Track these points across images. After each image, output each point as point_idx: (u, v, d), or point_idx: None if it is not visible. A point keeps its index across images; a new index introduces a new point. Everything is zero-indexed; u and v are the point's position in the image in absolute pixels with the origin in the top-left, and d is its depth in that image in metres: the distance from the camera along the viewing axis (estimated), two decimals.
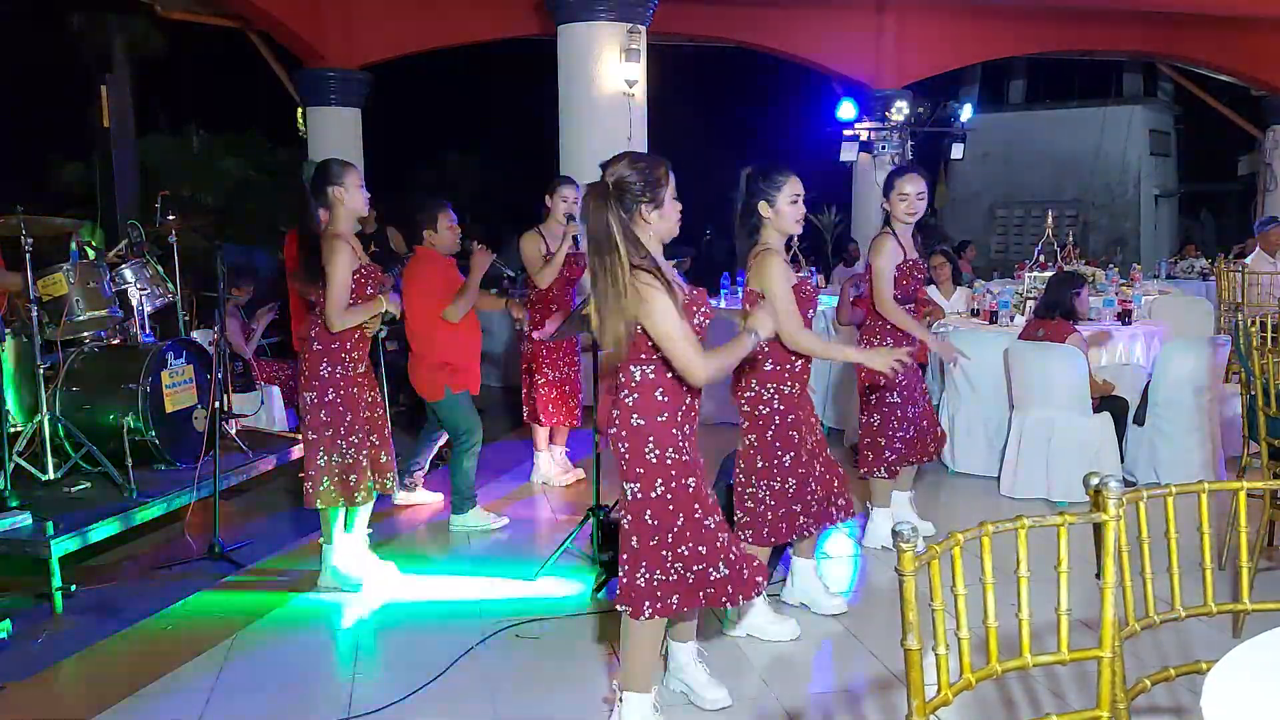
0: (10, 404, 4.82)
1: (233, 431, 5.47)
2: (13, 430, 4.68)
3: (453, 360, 4.93)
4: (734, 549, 2.90)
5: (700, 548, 2.82)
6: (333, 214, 4.01)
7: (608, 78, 8.31)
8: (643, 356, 2.78)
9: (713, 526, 2.84)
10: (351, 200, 4.01)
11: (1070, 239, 8.07)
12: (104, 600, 4.17)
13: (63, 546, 4.03)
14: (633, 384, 2.80)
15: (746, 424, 3.66)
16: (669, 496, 2.80)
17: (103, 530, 4.27)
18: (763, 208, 3.52)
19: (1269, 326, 4.96)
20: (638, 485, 2.81)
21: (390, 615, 4.05)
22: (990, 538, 1.87)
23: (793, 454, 3.63)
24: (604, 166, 2.84)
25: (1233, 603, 2.22)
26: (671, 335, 2.68)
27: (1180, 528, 2.12)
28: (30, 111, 13.20)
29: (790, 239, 3.70)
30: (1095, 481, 1.98)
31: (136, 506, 4.48)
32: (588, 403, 5.69)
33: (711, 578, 2.84)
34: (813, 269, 9.18)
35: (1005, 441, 5.60)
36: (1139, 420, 5.64)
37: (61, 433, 4.73)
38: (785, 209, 3.51)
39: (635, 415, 2.79)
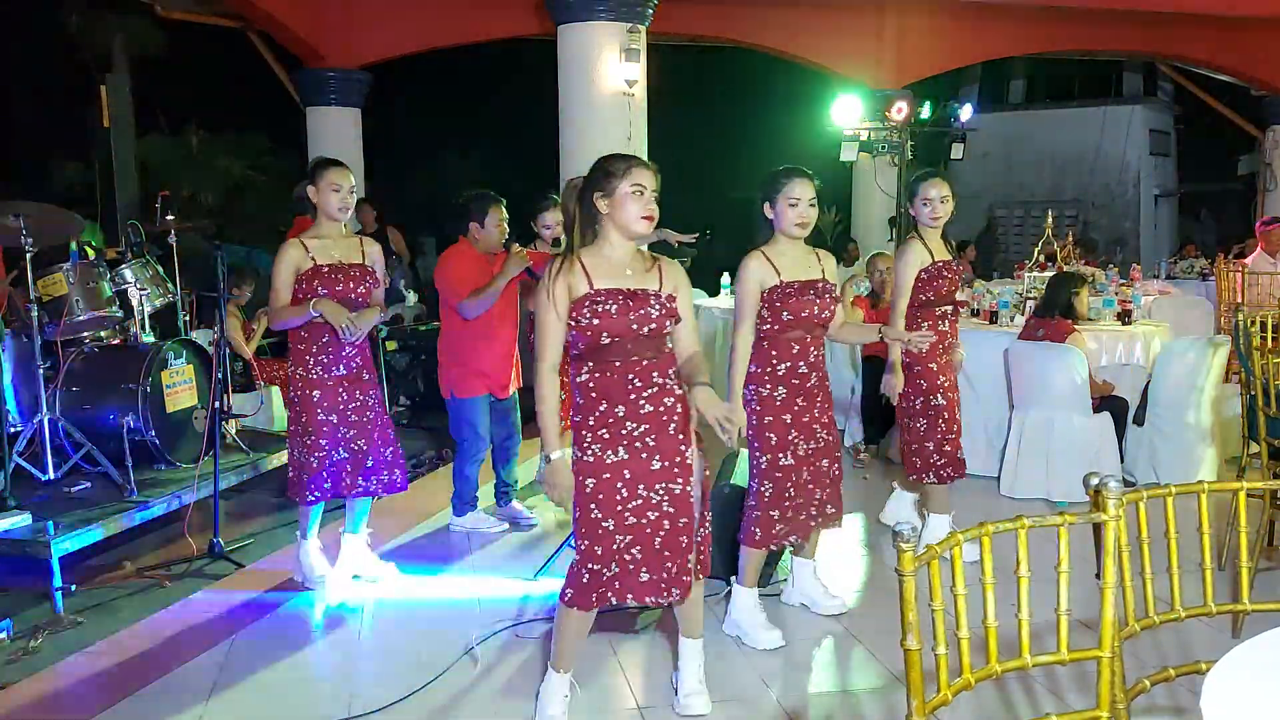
0: (10, 404, 4.81)
1: (233, 431, 5.47)
2: (13, 430, 4.68)
3: (461, 361, 4.81)
4: (637, 551, 2.87)
5: (596, 548, 2.87)
6: (316, 215, 4.04)
7: (608, 78, 8.31)
8: (572, 353, 2.91)
9: (611, 528, 2.85)
10: (322, 201, 3.99)
11: (1070, 238, 8.08)
12: (104, 600, 4.17)
13: (63, 546, 4.03)
14: (572, 382, 2.95)
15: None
16: (575, 494, 2.91)
17: (103, 530, 4.27)
18: (765, 209, 3.61)
19: (1269, 326, 4.96)
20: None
21: (390, 615, 4.05)
22: (990, 538, 1.87)
23: (768, 457, 3.61)
24: None
25: (1233, 603, 2.22)
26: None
27: (1180, 528, 2.12)
28: (30, 111, 13.20)
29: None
30: (1095, 481, 1.98)
31: (136, 506, 4.48)
32: None
33: (604, 577, 2.88)
34: None
35: (1005, 441, 5.60)
36: (1139, 420, 5.64)
37: (61, 433, 4.73)
38: (784, 211, 3.56)
39: (574, 413, 2.93)
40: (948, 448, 4.39)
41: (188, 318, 6.09)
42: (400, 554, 4.71)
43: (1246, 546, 2.26)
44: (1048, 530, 1.92)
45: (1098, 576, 1.96)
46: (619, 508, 2.86)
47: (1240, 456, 4.45)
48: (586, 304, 2.80)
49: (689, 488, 2.95)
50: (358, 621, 4.00)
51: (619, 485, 2.86)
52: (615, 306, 2.80)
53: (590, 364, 2.86)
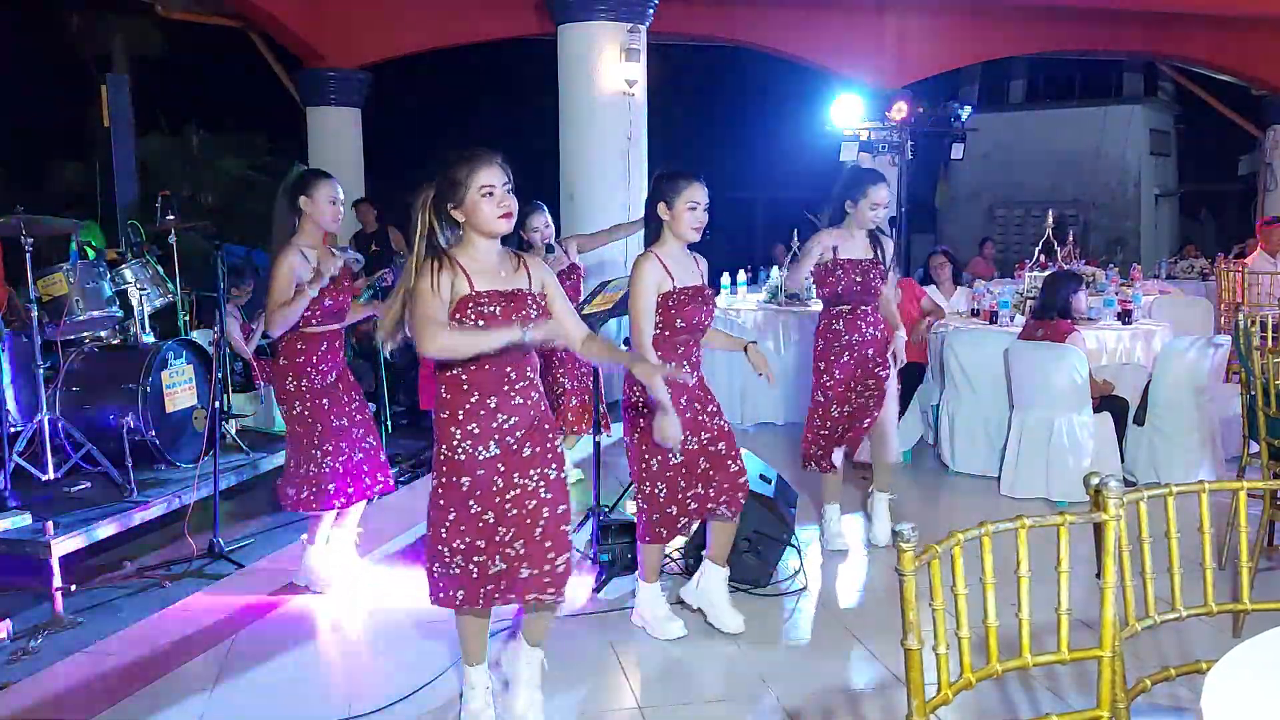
0: (10, 404, 4.81)
1: (233, 431, 5.47)
2: (13, 430, 4.68)
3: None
4: (522, 546, 2.83)
5: (479, 541, 2.82)
6: (300, 224, 3.99)
7: (608, 78, 8.31)
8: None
9: (491, 520, 2.81)
10: (318, 213, 3.98)
11: (1071, 238, 8.07)
12: (104, 600, 4.17)
13: (63, 546, 4.03)
14: (436, 379, 2.87)
15: (624, 423, 3.71)
16: (440, 491, 2.84)
17: (103, 530, 4.27)
18: (661, 209, 3.59)
19: (1269, 326, 4.96)
20: (430, 476, 2.91)
21: (390, 615, 4.05)
22: (990, 538, 1.87)
23: (659, 459, 3.61)
24: None
25: (1233, 603, 2.23)
26: (413, 306, 2.71)
27: (1180, 528, 2.12)
28: (30, 111, 13.20)
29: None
30: (1095, 481, 1.98)
31: (136, 506, 4.48)
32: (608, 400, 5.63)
33: (490, 572, 2.83)
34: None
35: (1005, 441, 5.60)
36: (1139, 420, 5.64)
37: (61, 433, 4.73)
38: (683, 214, 3.55)
39: (436, 409, 2.86)
40: (819, 442, 4.58)
41: (188, 318, 6.10)
42: (401, 554, 4.71)
43: (1246, 546, 2.26)
44: (1048, 530, 1.92)
45: (1098, 576, 1.96)
46: (497, 500, 2.82)
47: (1240, 456, 4.45)
48: (470, 305, 2.73)
49: (561, 475, 2.92)
50: (357, 622, 4.00)
51: (495, 479, 2.82)
52: (499, 309, 2.73)
53: (468, 362, 2.77)
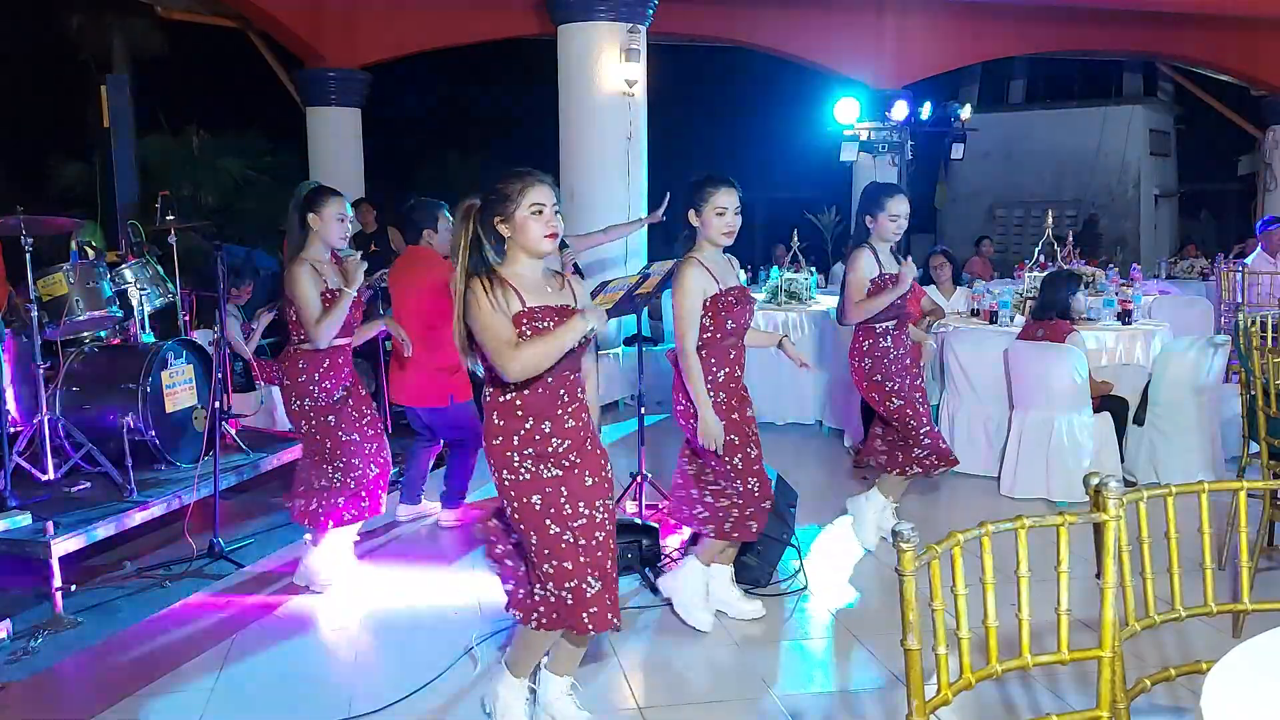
0: (10, 404, 4.81)
1: (233, 431, 5.46)
2: (13, 430, 4.68)
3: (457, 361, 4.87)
4: (594, 578, 2.77)
5: (565, 564, 2.74)
6: (307, 239, 4.01)
7: (608, 78, 8.31)
8: (487, 378, 2.81)
9: (571, 542, 2.75)
10: (325, 231, 3.99)
11: (1070, 239, 8.07)
12: (104, 600, 4.17)
13: (63, 546, 4.03)
14: (487, 406, 2.82)
15: (683, 426, 3.73)
16: (519, 518, 2.78)
17: (103, 530, 4.27)
18: (691, 216, 3.62)
19: (1269, 326, 4.96)
20: (503, 505, 2.86)
21: (390, 615, 4.05)
22: (990, 538, 1.87)
23: (740, 455, 3.65)
24: None
25: (1233, 603, 2.23)
26: (481, 332, 2.68)
27: (1180, 528, 2.12)
28: (30, 111, 13.20)
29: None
30: (1095, 481, 1.98)
31: (136, 506, 4.48)
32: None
33: (587, 594, 2.75)
34: (812, 269, 9.16)
35: (1005, 441, 5.60)
36: (1139, 420, 5.64)
37: (61, 433, 4.73)
38: (711, 220, 3.58)
39: (489, 437, 2.81)
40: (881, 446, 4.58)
41: (188, 318, 6.09)
42: (400, 554, 4.71)
43: (1246, 546, 2.26)
44: (1048, 530, 1.92)
45: (1098, 576, 1.96)
46: (570, 522, 2.76)
47: (1240, 456, 4.45)
48: (525, 321, 2.70)
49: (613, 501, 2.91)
50: (357, 622, 4.00)
51: (562, 501, 2.77)
52: (551, 323, 2.71)
53: (519, 381, 2.73)
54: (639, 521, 4.57)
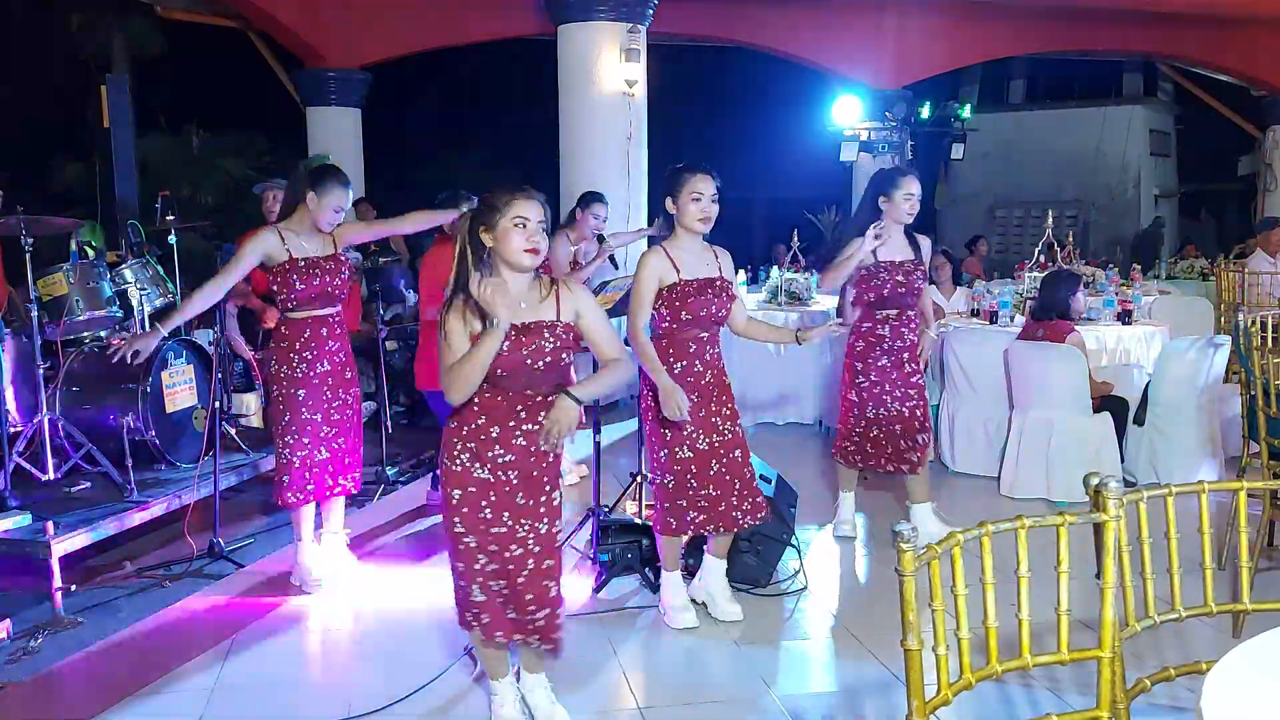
0: (10, 404, 4.81)
1: (233, 431, 5.46)
2: (13, 430, 4.68)
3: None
4: (499, 584, 2.84)
5: (459, 564, 2.85)
6: (294, 209, 4.04)
7: (608, 78, 8.31)
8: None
9: (473, 546, 2.80)
10: (320, 214, 4.01)
11: (1070, 239, 8.07)
12: (104, 600, 4.17)
13: (63, 546, 4.03)
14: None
15: (641, 417, 3.84)
16: (446, 510, 2.85)
17: (103, 530, 4.27)
18: (667, 204, 3.64)
19: (1269, 326, 4.96)
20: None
21: (389, 615, 4.05)
22: (990, 538, 1.87)
23: (666, 451, 3.69)
24: None
25: (1233, 603, 2.23)
26: (442, 349, 2.73)
27: (1180, 528, 2.12)
28: (30, 111, 13.20)
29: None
30: (1095, 481, 1.98)
31: (136, 506, 4.48)
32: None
33: (472, 599, 2.85)
34: (812, 269, 9.16)
35: (1005, 441, 5.60)
36: (1139, 420, 5.64)
37: (61, 433, 4.73)
38: (687, 206, 3.58)
39: (448, 421, 2.87)
40: (853, 439, 4.63)
41: None
42: (401, 554, 4.71)
43: (1246, 546, 2.27)
44: (1048, 530, 1.92)
45: (1098, 576, 1.96)
46: (482, 528, 2.79)
47: (1240, 456, 4.45)
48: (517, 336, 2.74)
49: (554, 530, 2.89)
50: (357, 622, 4.00)
51: (483, 504, 2.79)
52: (507, 343, 2.69)
53: (484, 383, 2.74)
54: (639, 521, 4.57)
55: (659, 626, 3.85)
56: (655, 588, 4.13)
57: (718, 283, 3.66)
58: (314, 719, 3.21)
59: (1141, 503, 2.07)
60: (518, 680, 3.10)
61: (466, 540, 2.81)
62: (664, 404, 3.54)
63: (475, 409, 2.78)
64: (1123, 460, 5.50)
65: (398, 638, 3.84)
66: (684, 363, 3.65)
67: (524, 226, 2.72)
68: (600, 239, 5.59)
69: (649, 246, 3.78)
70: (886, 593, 4.14)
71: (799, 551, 4.41)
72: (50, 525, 4.04)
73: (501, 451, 2.79)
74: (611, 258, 5.61)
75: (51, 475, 4.65)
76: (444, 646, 3.64)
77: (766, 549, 4.19)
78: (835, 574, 4.47)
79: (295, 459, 4.08)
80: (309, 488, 4.14)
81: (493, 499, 2.79)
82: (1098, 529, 1.97)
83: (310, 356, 4.04)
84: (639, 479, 4.86)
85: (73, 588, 4.11)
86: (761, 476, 4.35)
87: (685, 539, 3.89)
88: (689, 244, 3.65)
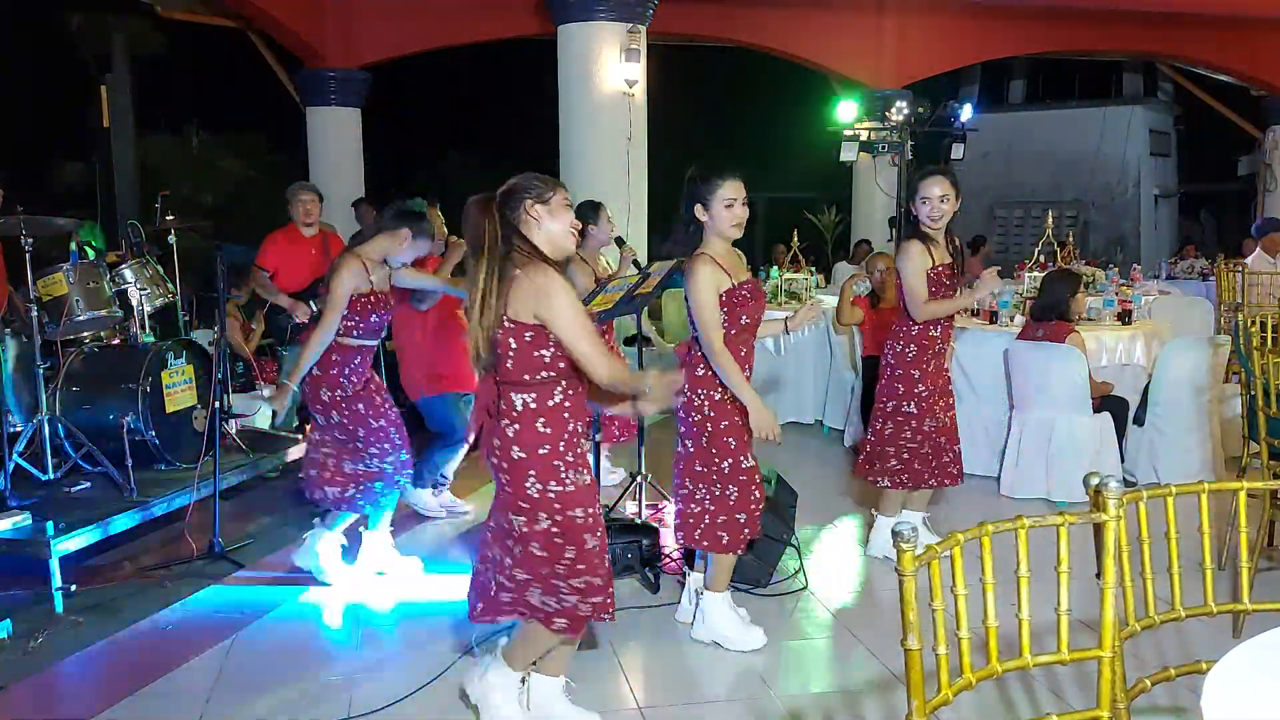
0: (10, 404, 4.81)
1: (233, 431, 5.46)
2: (13, 430, 4.68)
3: (430, 363, 5.08)
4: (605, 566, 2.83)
5: (595, 564, 2.77)
6: (374, 240, 4.12)
7: (608, 78, 8.31)
8: (526, 379, 2.68)
9: (597, 548, 2.79)
10: (399, 249, 4.08)
11: (1070, 239, 8.08)
12: (104, 600, 4.17)
13: (63, 546, 4.03)
14: (513, 412, 2.69)
15: (682, 429, 3.63)
16: (554, 530, 2.71)
17: (103, 530, 4.27)
18: (698, 211, 3.48)
19: (1269, 326, 4.96)
20: (522, 519, 2.73)
21: (390, 615, 4.05)
22: (990, 538, 1.87)
23: (730, 461, 3.55)
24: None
25: (1233, 603, 2.22)
26: (576, 329, 2.61)
27: (1180, 528, 2.12)
28: (30, 111, 13.20)
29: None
30: (1095, 481, 1.98)
31: (136, 506, 4.48)
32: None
33: (596, 585, 2.79)
34: (812, 269, 9.16)
35: (1005, 441, 5.60)
36: (1139, 420, 5.64)
37: (61, 433, 4.73)
38: (721, 213, 3.46)
39: (516, 448, 2.69)
40: (907, 456, 4.35)
41: (188, 318, 6.09)
42: (398, 552, 4.71)
43: (1247, 546, 2.26)
44: (1048, 530, 1.92)
45: (1098, 576, 1.96)
46: (597, 528, 2.80)
47: (1240, 456, 4.45)
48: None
49: None
50: (357, 622, 4.00)
51: (590, 510, 2.78)
52: (601, 326, 2.79)
53: (564, 383, 2.71)
54: (639, 521, 4.57)
55: (659, 626, 3.84)
56: (655, 588, 4.13)
57: (755, 283, 3.63)
58: (314, 719, 3.21)
59: (1141, 503, 2.07)
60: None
61: (593, 544, 2.76)
62: (757, 424, 3.46)
63: (565, 419, 2.72)
64: (1123, 460, 5.50)
65: (398, 637, 3.84)
66: (745, 370, 3.55)
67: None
68: (620, 242, 5.45)
69: (675, 259, 3.66)
70: (886, 593, 4.14)
71: (799, 551, 4.41)
72: (50, 525, 4.04)
73: (573, 459, 2.77)
74: (635, 261, 5.52)
75: (51, 475, 4.66)
76: (445, 646, 3.64)
77: (766, 549, 4.19)
78: (835, 574, 4.46)
79: (385, 465, 4.15)
80: (379, 486, 4.20)
81: (591, 497, 2.82)
82: (1098, 529, 1.97)
83: (355, 379, 4.09)
84: (639, 479, 4.86)
85: (73, 588, 4.11)
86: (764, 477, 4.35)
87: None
88: (725, 249, 3.54)
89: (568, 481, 2.72)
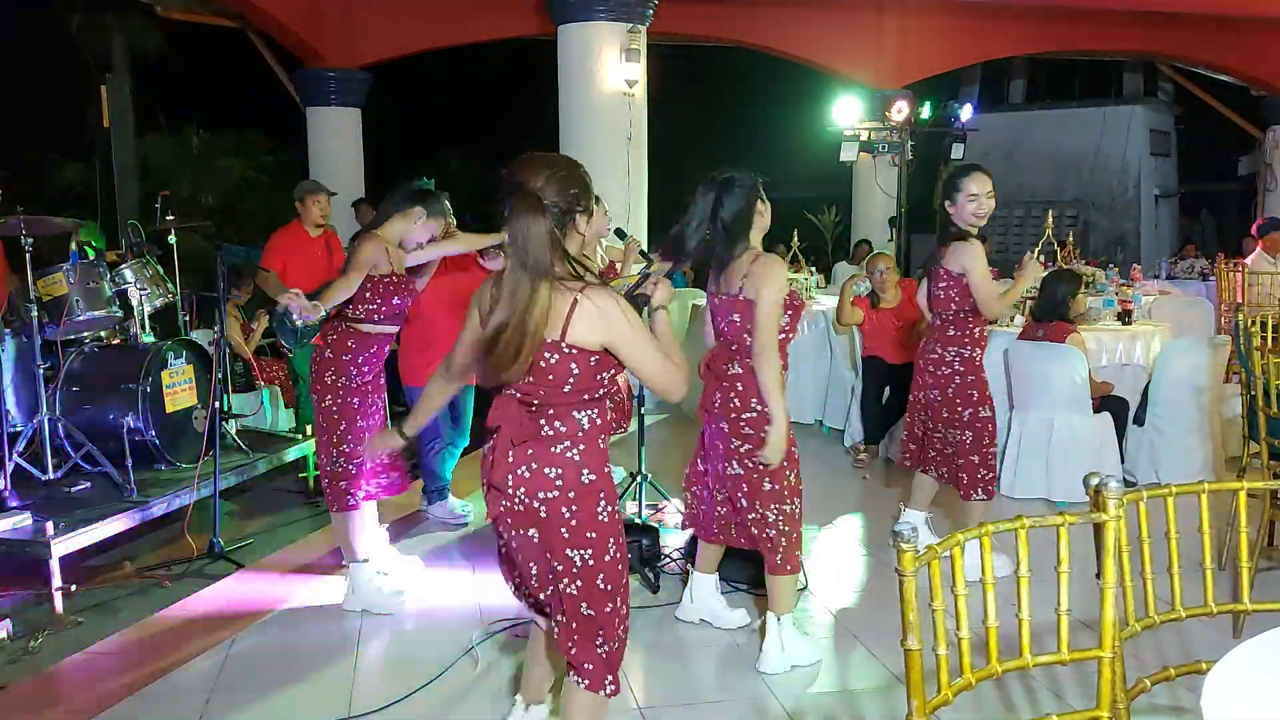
0: (10, 404, 4.81)
1: (233, 431, 5.47)
2: (13, 430, 4.68)
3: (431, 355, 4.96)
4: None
5: (624, 598, 2.45)
6: (388, 223, 3.94)
7: (608, 78, 8.31)
8: (585, 398, 2.33)
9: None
10: (413, 230, 3.96)
11: (1070, 239, 8.07)
12: (104, 600, 4.17)
13: (63, 546, 4.03)
14: (578, 433, 2.33)
15: (748, 446, 3.36)
16: (618, 555, 2.40)
17: (103, 530, 4.27)
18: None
19: (1269, 326, 4.96)
20: (589, 551, 2.35)
21: (391, 616, 4.04)
22: (990, 538, 1.87)
23: (793, 472, 3.45)
24: (512, 173, 2.38)
25: (1233, 603, 2.23)
26: (647, 352, 2.35)
27: (1180, 528, 2.12)
28: (30, 111, 13.20)
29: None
30: (1095, 481, 1.98)
31: (136, 506, 4.48)
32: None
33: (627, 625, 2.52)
34: (812, 269, 9.16)
35: (1005, 441, 5.59)
36: (1139, 420, 5.64)
37: (61, 433, 4.73)
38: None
39: (586, 471, 2.33)
40: (991, 460, 4.20)
41: (188, 318, 6.09)
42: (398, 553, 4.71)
43: (1247, 546, 2.26)
44: (1048, 530, 1.92)
45: (1098, 576, 1.96)
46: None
47: (1240, 456, 4.45)
48: None
49: None
50: (357, 622, 3.99)
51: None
52: None
53: (607, 401, 2.43)
54: (639, 521, 4.57)
55: (659, 626, 3.85)
56: (656, 588, 4.13)
57: (794, 291, 3.47)
58: (314, 719, 3.21)
59: (1141, 503, 2.07)
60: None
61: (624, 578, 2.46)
62: (771, 447, 3.26)
63: (604, 449, 2.42)
64: (1123, 460, 5.50)
65: (398, 638, 3.84)
66: (785, 372, 3.38)
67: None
68: (620, 234, 5.36)
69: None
70: (886, 593, 4.14)
71: None
72: (50, 525, 4.04)
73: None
74: (642, 251, 5.45)
75: (51, 475, 4.66)
76: (445, 646, 3.64)
77: None
78: (835, 574, 4.46)
79: (350, 467, 3.98)
80: (367, 488, 4.08)
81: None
82: (1098, 529, 1.97)
83: (366, 369, 3.95)
84: (639, 479, 4.86)
85: (73, 588, 4.11)
86: None
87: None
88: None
89: (612, 508, 2.41)
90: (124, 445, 4.72)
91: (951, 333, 4.15)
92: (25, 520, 4.17)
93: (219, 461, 4.67)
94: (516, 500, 2.34)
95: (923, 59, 12.91)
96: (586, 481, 2.33)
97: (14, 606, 4.06)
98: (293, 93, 12.52)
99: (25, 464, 4.62)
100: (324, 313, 3.69)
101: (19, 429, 4.77)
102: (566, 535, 2.33)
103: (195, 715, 3.21)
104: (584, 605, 2.37)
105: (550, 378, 2.28)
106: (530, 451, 2.32)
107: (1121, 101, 19.20)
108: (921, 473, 4.41)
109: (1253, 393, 4.11)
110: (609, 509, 2.38)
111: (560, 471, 2.31)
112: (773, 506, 3.39)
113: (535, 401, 2.32)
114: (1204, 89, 16.02)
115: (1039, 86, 20.08)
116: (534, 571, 2.43)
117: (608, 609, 2.40)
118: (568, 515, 2.32)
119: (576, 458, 2.33)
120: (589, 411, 2.35)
